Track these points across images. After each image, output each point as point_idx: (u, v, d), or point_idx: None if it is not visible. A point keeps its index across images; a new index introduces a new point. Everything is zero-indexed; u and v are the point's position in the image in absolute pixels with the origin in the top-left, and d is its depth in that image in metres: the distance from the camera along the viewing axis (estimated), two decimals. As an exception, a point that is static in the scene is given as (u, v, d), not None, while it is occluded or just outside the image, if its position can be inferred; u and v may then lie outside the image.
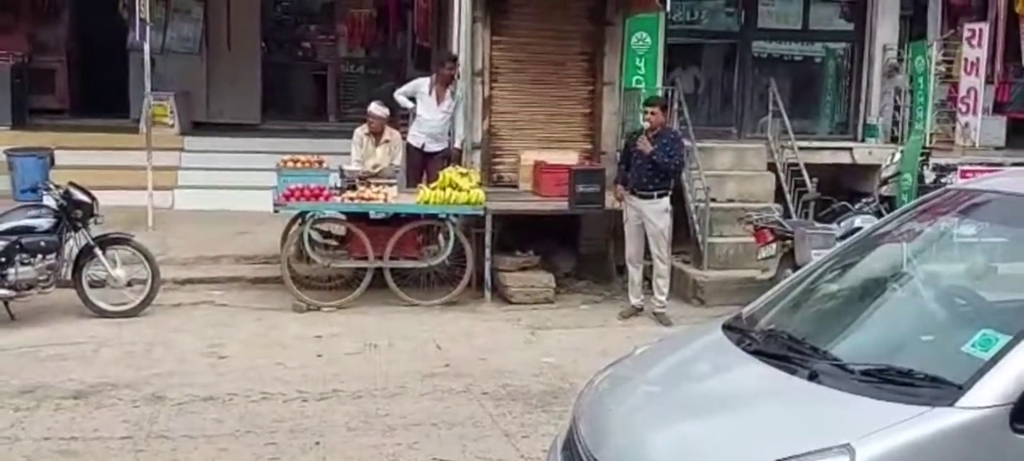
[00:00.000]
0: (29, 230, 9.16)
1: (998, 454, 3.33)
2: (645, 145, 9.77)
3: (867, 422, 3.35)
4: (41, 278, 9.15)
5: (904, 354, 3.90)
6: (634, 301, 10.19)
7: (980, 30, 13.71)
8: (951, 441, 3.31)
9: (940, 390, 3.44)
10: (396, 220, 10.37)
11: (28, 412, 6.93)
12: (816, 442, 3.32)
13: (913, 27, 13.89)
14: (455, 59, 11.40)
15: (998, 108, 14.79)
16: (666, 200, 10.01)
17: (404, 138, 11.58)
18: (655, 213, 9.93)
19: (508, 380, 7.94)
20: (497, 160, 12.00)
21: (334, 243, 10.63)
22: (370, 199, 10.25)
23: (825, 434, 3.35)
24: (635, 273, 10.18)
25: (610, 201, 10.48)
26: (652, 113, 9.95)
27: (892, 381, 3.56)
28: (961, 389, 3.39)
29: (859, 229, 8.49)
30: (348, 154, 11.08)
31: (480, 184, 10.64)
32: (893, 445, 3.27)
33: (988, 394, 3.34)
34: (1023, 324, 3.55)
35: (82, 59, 17.04)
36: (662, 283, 10.07)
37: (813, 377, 3.72)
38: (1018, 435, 3.31)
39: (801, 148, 12.52)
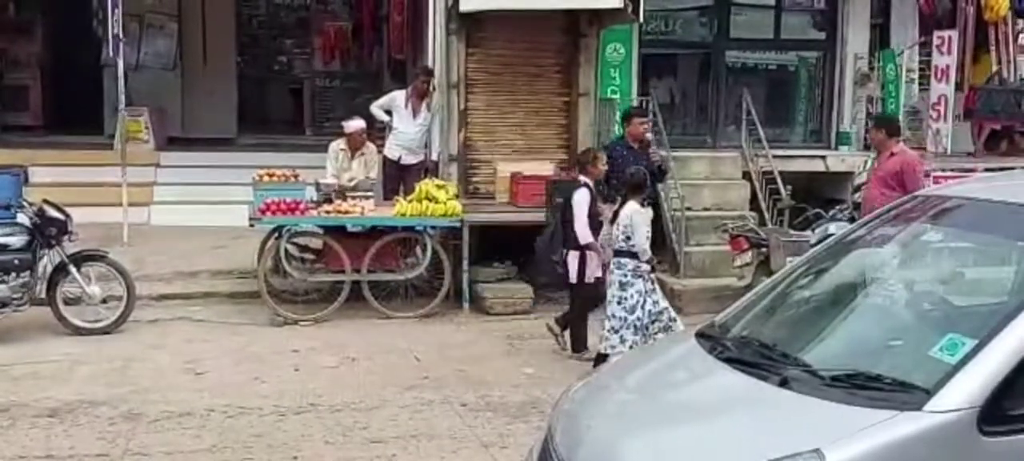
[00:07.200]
0: (2, 248, 9.08)
1: (966, 457, 3.37)
2: (658, 156, 9.84)
3: (836, 428, 3.39)
4: (15, 296, 9.08)
5: (873, 359, 3.93)
6: (611, 310, 10.18)
7: (949, 37, 13.85)
8: (919, 445, 3.34)
9: (908, 394, 3.49)
10: (373, 233, 10.37)
11: (3, 430, 6.89)
12: (786, 448, 3.36)
13: (884, 35, 14.02)
14: (431, 72, 11.42)
15: (967, 114, 14.94)
16: None
17: (381, 151, 11.59)
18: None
19: (487, 391, 7.95)
20: (474, 172, 11.99)
21: (311, 257, 10.60)
22: (347, 212, 10.24)
23: (795, 440, 3.38)
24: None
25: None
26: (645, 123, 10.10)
27: (861, 386, 3.60)
28: (929, 393, 3.42)
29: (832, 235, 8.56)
30: (324, 167, 11.09)
31: (457, 196, 10.65)
32: (862, 450, 3.31)
33: (955, 398, 3.38)
34: (989, 328, 3.57)
35: (56, 75, 16.91)
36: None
37: (784, 383, 3.76)
38: (985, 438, 3.35)
39: (775, 156, 12.62)
